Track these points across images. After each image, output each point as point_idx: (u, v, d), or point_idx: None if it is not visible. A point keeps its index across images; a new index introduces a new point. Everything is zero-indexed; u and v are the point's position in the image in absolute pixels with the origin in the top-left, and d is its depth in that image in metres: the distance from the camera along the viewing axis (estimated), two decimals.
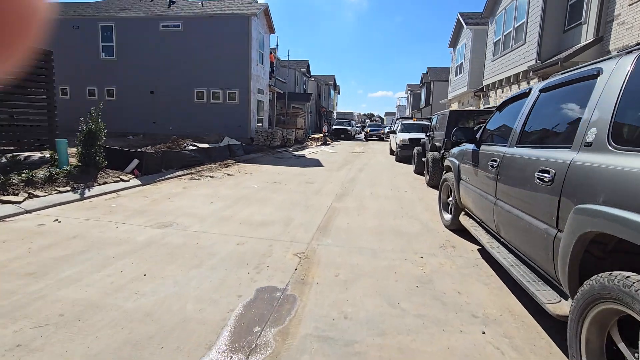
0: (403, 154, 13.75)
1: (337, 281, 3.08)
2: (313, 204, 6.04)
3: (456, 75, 20.49)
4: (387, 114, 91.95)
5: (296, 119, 26.11)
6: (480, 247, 4.04)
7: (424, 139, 10.63)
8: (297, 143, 21.97)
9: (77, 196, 5.59)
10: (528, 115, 2.77)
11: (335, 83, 47.53)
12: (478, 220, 3.72)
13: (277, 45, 25.13)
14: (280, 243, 4.01)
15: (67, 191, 5.68)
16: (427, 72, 38.31)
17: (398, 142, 13.97)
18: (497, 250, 2.94)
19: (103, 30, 19.38)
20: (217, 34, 17.97)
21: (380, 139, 32.52)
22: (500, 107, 3.62)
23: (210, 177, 8.50)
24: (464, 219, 4.10)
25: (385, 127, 42.48)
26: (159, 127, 18.82)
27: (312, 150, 18.13)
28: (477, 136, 3.84)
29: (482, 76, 16.04)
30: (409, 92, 49.46)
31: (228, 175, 8.93)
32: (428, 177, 8.26)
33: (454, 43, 20.94)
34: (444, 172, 5.17)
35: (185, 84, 18.46)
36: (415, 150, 10.72)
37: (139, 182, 7.07)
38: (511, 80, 12.87)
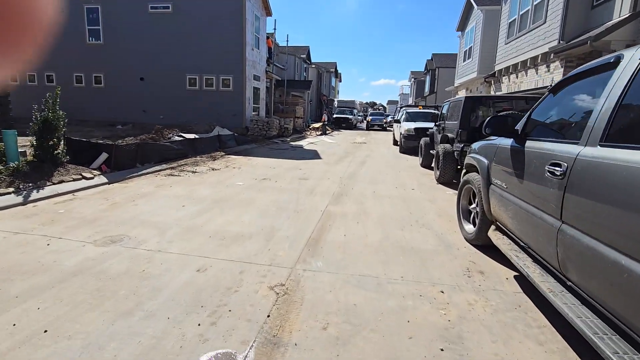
0: (408, 145, 12.73)
1: (325, 339, 2.13)
2: (304, 208, 5.08)
3: (464, 61, 19.26)
4: (390, 102, 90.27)
5: (295, 107, 24.99)
6: (517, 274, 3.08)
7: (432, 129, 9.60)
8: (296, 133, 20.92)
9: (19, 199, 4.64)
10: (622, 96, 1.77)
11: (336, 70, 46.09)
12: (518, 240, 2.75)
13: (274, 29, 23.88)
14: (254, 268, 3.06)
15: (9, 193, 4.73)
16: (431, 59, 36.88)
17: (402, 132, 12.92)
18: (561, 300, 1.98)
19: (89, 13, 18.20)
20: (209, 15, 16.77)
21: (383, 129, 30.41)
22: (556, 88, 2.60)
23: (192, 172, 7.53)
24: (495, 236, 3.14)
25: (388, 115, 41.24)
26: (150, 116, 17.79)
27: (310, 141, 17.10)
28: (518, 128, 2.83)
29: (494, 61, 14.85)
30: (412, 79, 47.99)
31: (213, 170, 7.97)
32: (438, 173, 7.27)
33: (462, 26, 19.64)
34: (464, 171, 4.18)
35: (176, 70, 17.35)
36: (422, 142, 9.68)
37: (105, 180, 6.11)
38: (527, 64, 11.72)
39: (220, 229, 4.02)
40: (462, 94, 20.74)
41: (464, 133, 6.48)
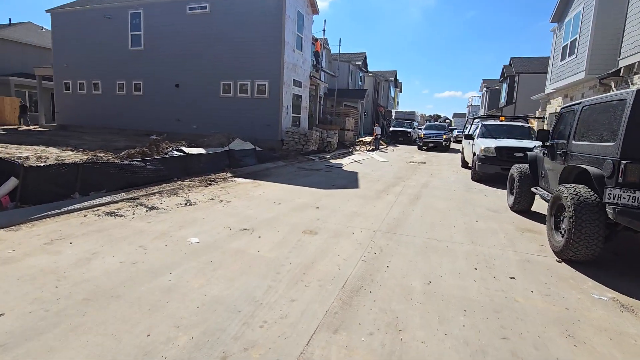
0: (484, 171, 9.13)
1: None
2: (259, 340, 2.18)
3: (563, 60, 14.88)
4: (456, 115, 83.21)
5: (346, 118, 22.20)
6: None
7: (532, 150, 6.06)
8: (342, 147, 18.08)
9: None
10: None
11: (396, 79, 42.55)
12: None
13: (324, 31, 21.47)
14: None
15: None
16: (510, 64, 31.78)
17: (478, 153, 9.35)
18: None
19: (132, 18, 17.48)
20: (246, 13, 14.86)
21: (444, 148, 20.75)
22: None
23: (151, 208, 5.03)
24: None
25: (453, 130, 36.39)
26: (183, 125, 16.35)
27: (356, 159, 14.09)
28: None
29: (616, 54, 10.58)
30: (484, 89, 42.51)
31: (187, 204, 5.41)
32: (562, 240, 3.79)
33: (560, 15, 15.30)
34: None
35: (211, 75, 15.68)
36: (514, 172, 6.12)
37: None
38: None
39: None
40: (557, 102, 16.23)
41: (635, 168, 3.05)
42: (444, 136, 20.80)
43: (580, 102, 4.27)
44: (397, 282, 3.10)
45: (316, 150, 14.70)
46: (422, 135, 21.18)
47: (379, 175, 9.88)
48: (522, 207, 5.93)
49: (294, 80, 15.65)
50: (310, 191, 7.03)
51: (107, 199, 5.22)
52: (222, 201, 5.77)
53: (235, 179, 7.87)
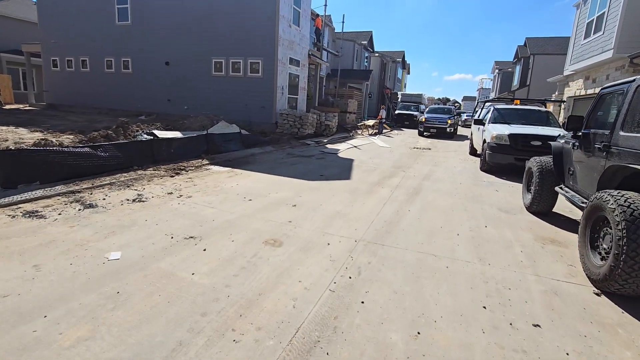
0: (495, 161, 8.07)
1: None
2: None
3: (587, 37, 13.44)
4: (466, 98, 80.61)
5: (348, 100, 20.97)
6: None
7: (556, 139, 5.00)
8: (343, 131, 16.97)
9: None
10: None
11: (404, 60, 40.68)
12: None
13: (325, 5, 19.93)
14: None
15: None
16: (525, 44, 29.97)
17: (489, 140, 8.26)
18: None
19: None
20: None
21: (449, 135, 18.21)
22: None
23: (83, 207, 4.12)
24: None
25: (462, 113, 34.81)
26: (174, 106, 15.36)
27: (355, 143, 13.03)
28: None
29: None
30: (496, 71, 40.56)
31: (135, 201, 4.49)
32: (605, 267, 2.79)
33: None
34: None
35: (202, 52, 14.53)
36: (533, 166, 5.06)
37: None
38: None
39: None
40: (577, 85, 14.86)
41: None
42: (449, 121, 17.95)
43: (635, 80, 3.18)
44: (371, 333, 2.17)
45: (313, 134, 13.66)
46: (424, 120, 18.34)
47: (377, 163, 8.87)
48: (541, 208, 4.92)
49: (290, 58, 14.45)
50: (293, 183, 6.07)
51: (39, 193, 4.32)
52: (181, 196, 4.85)
53: (211, 167, 6.92)
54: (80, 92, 17.82)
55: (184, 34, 14.72)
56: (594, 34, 12.74)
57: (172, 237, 3.43)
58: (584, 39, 13.60)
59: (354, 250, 3.40)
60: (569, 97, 14.77)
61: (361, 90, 26.65)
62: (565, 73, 15.69)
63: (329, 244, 3.53)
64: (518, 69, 31.37)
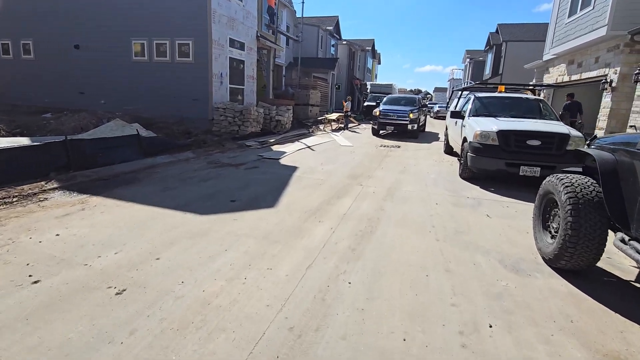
0: (480, 166, 6.04)
1: None
2: None
3: (572, 15, 11.77)
4: (437, 89, 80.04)
5: (309, 92, 18.65)
6: None
7: (592, 144, 2.94)
8: (301, 127, 14.67)
9: None
10: None
11: (374, 49, 38.66)
12: None
13: None
14: None
15: None
16: (497, 31, 28.63)
17: (471, 139, 6.20)
18: None
19: None
20: None
21: (412, 134, 13.35)
22: None
23: None
24: None
25: (434, 105, 33.19)
26: (89, 100, 12.46)
27: (311, 143, 10.76)
28: None
29: None
30: (467, 60, 39.41)
31: None
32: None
33: None
34: None
35: (120, 32, 11.72)
36: (562, 190, 2.92)
37: None
38: None
39: None
40: (558, 71, 13.24)
41: None
42: (411, 115, 12.94)
43: None
44: None
45: (259, 132, 11.27)
46: (378, 114, 13.37)
47: (329, 171, 6.66)
48: (578, 262, 2.81)
49: (230, 39, 11.91)
50: (173, 221, 3.73)
51: None
52: None
53: (55, 193, 4.43)
54: None
55: (96, 9, 11.83)
56: (581, 10, 11.03)
57: None
58: (569, 17, 11.91)
59: None
60: (550, 84, 13.05)
61: (327, 81, 24.37)
62: (545, 58, 14.05)
63: None
64: (490, 57, 30.08)
